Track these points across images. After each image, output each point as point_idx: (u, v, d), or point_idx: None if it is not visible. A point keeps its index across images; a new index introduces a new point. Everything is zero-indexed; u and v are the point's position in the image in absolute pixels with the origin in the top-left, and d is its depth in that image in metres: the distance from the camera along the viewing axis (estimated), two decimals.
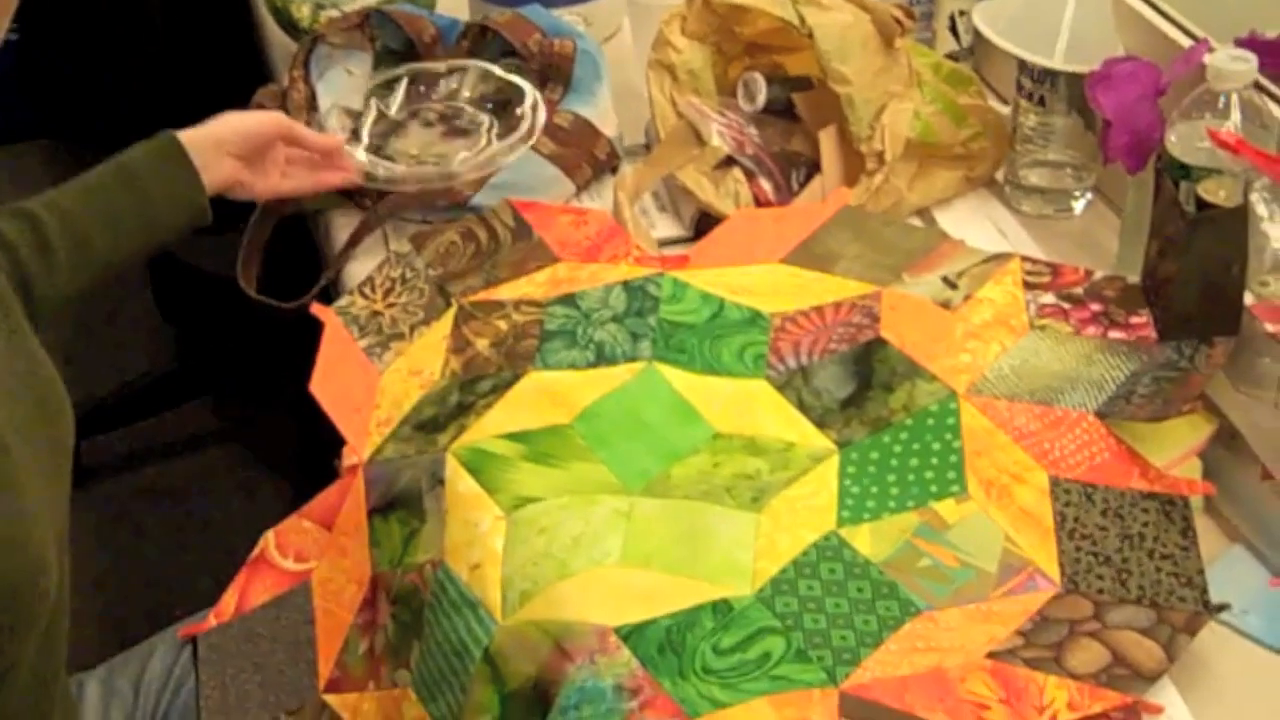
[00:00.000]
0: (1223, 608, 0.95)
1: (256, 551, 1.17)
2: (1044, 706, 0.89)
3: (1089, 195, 1.40)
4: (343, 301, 1.30)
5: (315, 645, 1.10)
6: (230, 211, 1.37)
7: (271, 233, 1.44)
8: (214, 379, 2.45)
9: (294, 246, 1.52)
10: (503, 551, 1.03)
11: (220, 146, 1.29)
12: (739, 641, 0.94)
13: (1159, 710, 0.89)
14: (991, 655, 0.93)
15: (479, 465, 1.09)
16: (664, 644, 0.94)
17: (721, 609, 0.96)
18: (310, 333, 1.29)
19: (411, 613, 1.05)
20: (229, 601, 1.15)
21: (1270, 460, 1.03)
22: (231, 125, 1.31)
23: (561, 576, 0.99)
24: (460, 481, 1.08)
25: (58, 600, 0.93)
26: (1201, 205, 1.10)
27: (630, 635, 0.95)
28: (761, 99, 1.41)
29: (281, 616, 1.13)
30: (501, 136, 1.43)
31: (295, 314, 1.37)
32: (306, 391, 1.23)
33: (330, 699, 1.06)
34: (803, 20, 1.34)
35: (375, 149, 1.44)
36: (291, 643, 1.11)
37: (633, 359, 1.17)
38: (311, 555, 1.15)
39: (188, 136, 1.28)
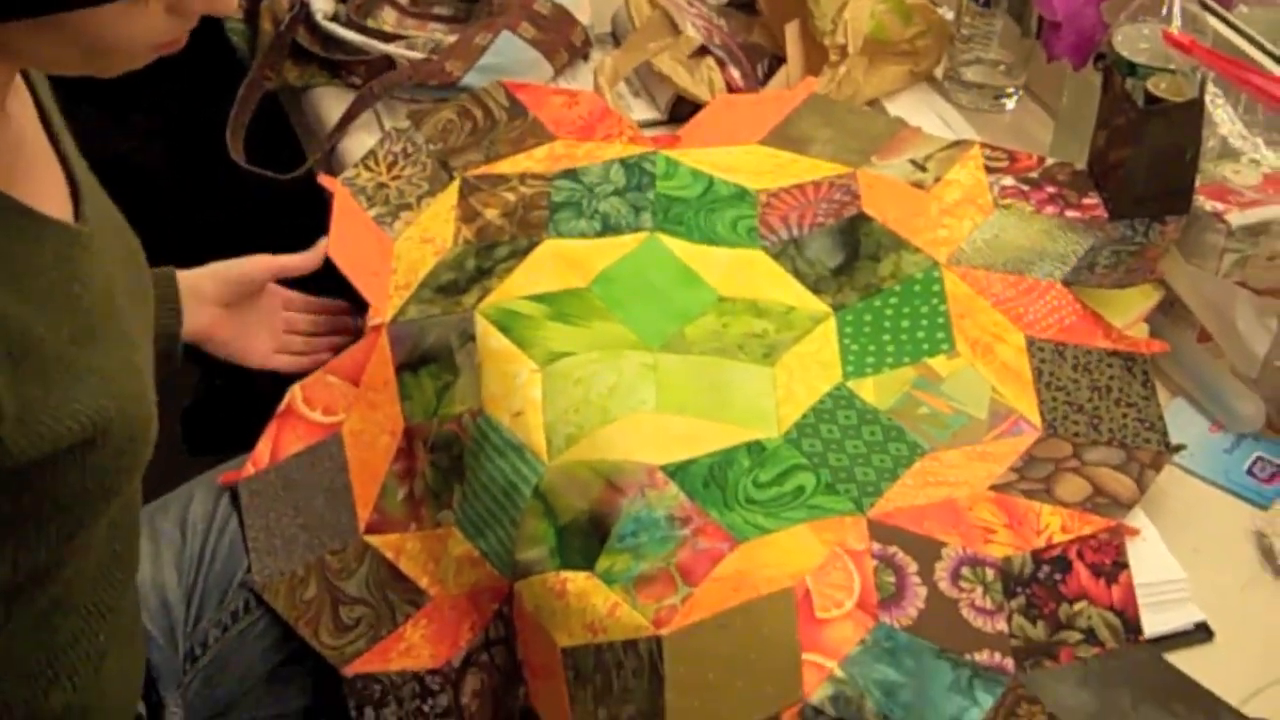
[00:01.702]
0: (1180, 448, 1.11)
1: (284, 404, 1.24)
2: (1041, 530, 1.04)
3: (1019, 93, 1.54)
4: (349, 173, 1.37)
5: (352, 491, 1.19)
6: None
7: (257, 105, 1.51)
8: None
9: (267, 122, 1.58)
10: (542, 400, 1.13)
11: (199, 294, 1.26)
12: (774, 476, 1.07)
13: (1136, 532, 1.04)
14: (993, 488, 1.07)
15: (508, 323, 1.19)
16: (708, 479, 1.06)
17: (755, 449, 1.09)
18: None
19: (451, 458, 1.15)
20: (264, 450, 1.23)
21: (1209, 323, 1.19)
22: (211, 270, 1.27)
23: (604, 422, 1.10)
24: (491, 338, 1.18)
25: None
26: (1150, 98, 1.24)
27: (676, 472, 1.06)
28: None
29: (316, 464, 1.22)
30: (471, 21, 1.51)
31: (289, 184, 1.45)
32: None
33: (372, 540, 1.16)
34: None
35: (352, 24, 1.51)
36: (328, 489, 1.20)
37: (636, 229, 1.28)
38: (339, 408, 1.23)
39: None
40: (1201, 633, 1.01)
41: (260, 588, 1.17)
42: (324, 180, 1.36)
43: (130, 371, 0.93)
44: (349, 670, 1.10)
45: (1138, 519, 1.06)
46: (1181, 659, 0.98)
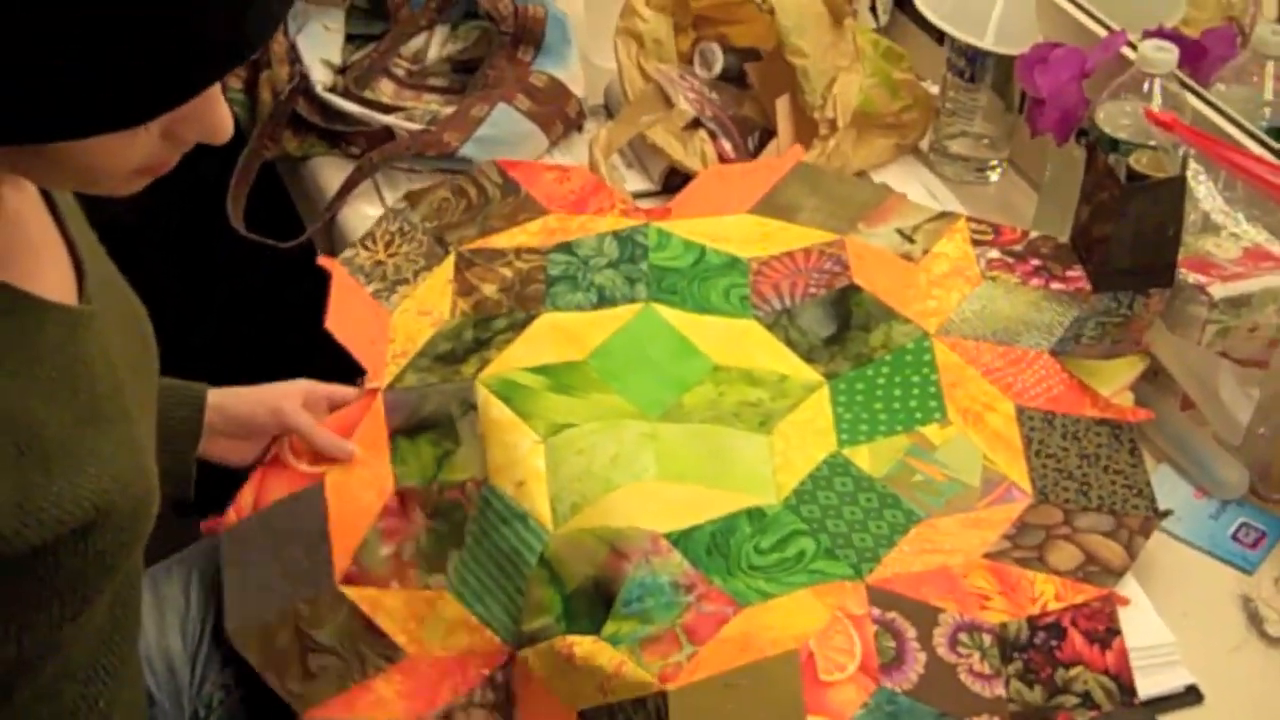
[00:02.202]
0: (1167, 513, 1.14)
1: (270, 454, 1.24)
2: (1035, 597, 1.07)
3: (1003, 165, 1.59)
4: (347, 253, 1.40)
5: (329, 541, 1.18)
6: None
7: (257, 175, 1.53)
8: None
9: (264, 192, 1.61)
10: (545, 471, 1.16)
11: (210, 428, 1.22)
12: (775, 542, 1.09)
13: (1127, 602, 1.07)
14: (987, 555, 1.09)
15: (509, 394, 1.21)
16: (710, 547, 1.09)
17: (756, 515, 1.11)
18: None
19: (452, 525, 1.16)
20: (247, 497, 1.22)
21: (1193, 392, 1.22)
22: (219, 405, 1.23)
23: (607, 490, 1.13)
24: (493, 408, 1.20)
25: None
26: (1132, 174, 1.28)
27: (679, 540, 1.09)
28: (718, 67, 1.55)
29: (297, 512, 1.20)
30: (468, 93, 1.55)
31: (290, 252, 1.47)
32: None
33: (347, 590, 1.15)
34: None
35: (350, 96, 1.54)
36: (307, 536, 1.18)
37: (631, 300, 1.30)
38: (324, 461, 1.23)
39: None
40: (1192, 695, 1.04)
41: (231, 635, 1.15)
42: (323, 262, 1.38)
43: (131, 449, 0.93)
44: (309, 714, 1.08)
45: (1128, 585, 1.09)
46: None
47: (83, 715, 0.99)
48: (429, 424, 1.22)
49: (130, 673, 1.07)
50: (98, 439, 0.88)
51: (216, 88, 0.81)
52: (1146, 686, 1.03)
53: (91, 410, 0.89)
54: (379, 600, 1.14)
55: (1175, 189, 1.23)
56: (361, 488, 1.21)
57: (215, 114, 0.81)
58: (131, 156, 0.80)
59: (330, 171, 1.53)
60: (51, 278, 0.91)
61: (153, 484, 0.96)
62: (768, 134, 1.53)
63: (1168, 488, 1.20)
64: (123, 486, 0.89)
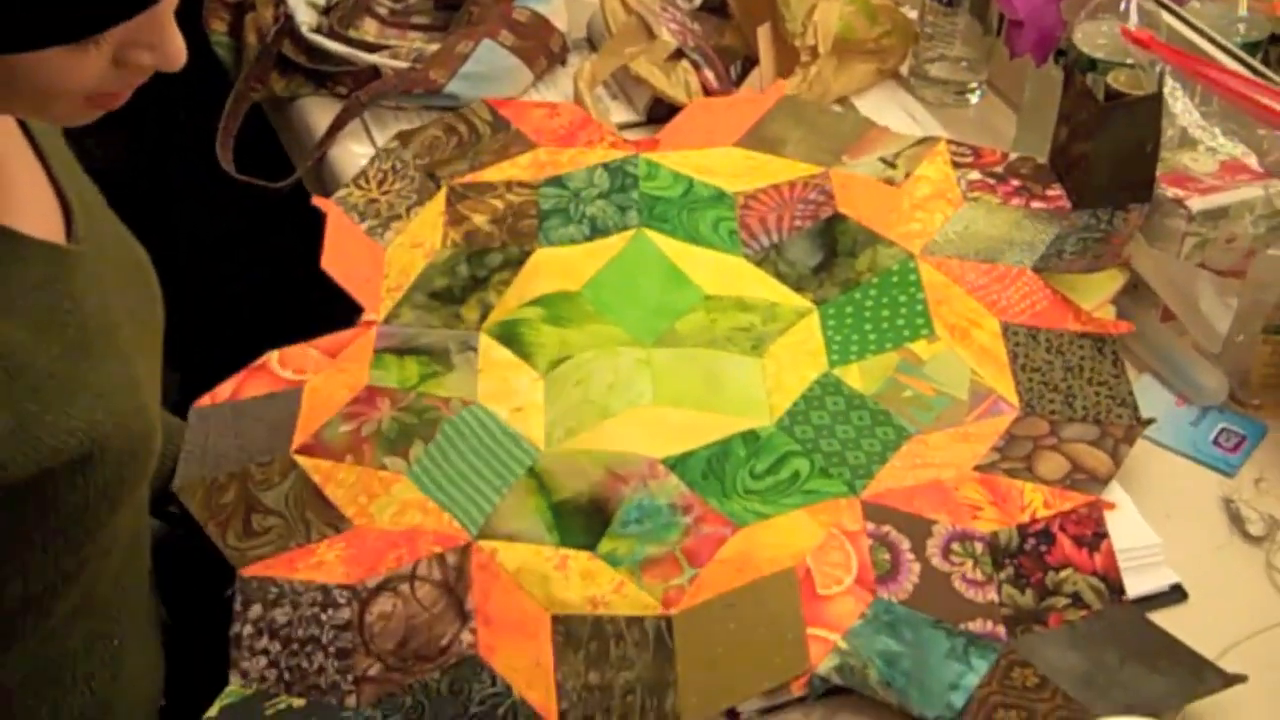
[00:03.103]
0: (1150, 421, 1.17)
1: (258, 361, 1.25)
2: (1025, 506, 1.10)
3: (982, 88, 1.61)
4: (341, 193, 1.41)
5: (295, 423, 1.19)
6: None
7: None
8: None
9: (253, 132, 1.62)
10: (544, 401, 1.19)
11: None
12: (770, 465, 1.13)
13: (1113, 506, 1.10)
14: (977, 468, 1.13)
15: (510, 335, 1.24)
16: (706, 471, 1.12)
17: (750, 438, 1.14)
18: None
19: (422, 421, 1.17)
20: (225, 390, 1.23)
21: (1172, 303, 1.25)
22: None
23: (604, 417, 1.16)
24: (494, 351, 1.23)
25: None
26: (1110, 92, 1.30)
27: (675, 465, 1.12)
28: None
29: (270, 405, 1.21)
30: (451, 30, 1.56)
31: (281, 192, 1.49)
32: None
33: (300, 459, 1.15)
34: None
35: (335, 36, 1.55)
36: (274, 422, 1.19)
37: (623, 229, 1.33)
38: (310, 371, 1.24)
39: None
40: (1177, 593, 1.07)
41: (177, 489, 1.14)
42: (318, 201, 1.39)
43: (128, 387, 0.95)
44: (247, 571, 1.08)
45: (1114, 490, 1.12)
46: (1160, 618, 1.04)
47: (97, 654, 1.02)
48: (421, 350, 1.25)
49: (144, 608, 1.10)
50: (89, 372, 0.90)
51: (168, 11, 0.81)
52: (1134, 585, 1.06)
53: (81, 345, 0.91)
54: (331, 472, 1.15)
55: (1152, 106, 1.25)
56: (337, 387, 1.22)
57: (168, 38, 0.81)
58: (83, 78, 0.80)
59: (318, 112, 1.55)
60: (33, 217, 0.92)
61: (153, 424, 0.97)
62: (750, 62, 1.55)
63: (1150, 396, 1.23)
64: (118, 420, 0.91)
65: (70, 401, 0.88)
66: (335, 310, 1.32)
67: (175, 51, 0.82)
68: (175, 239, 1.49)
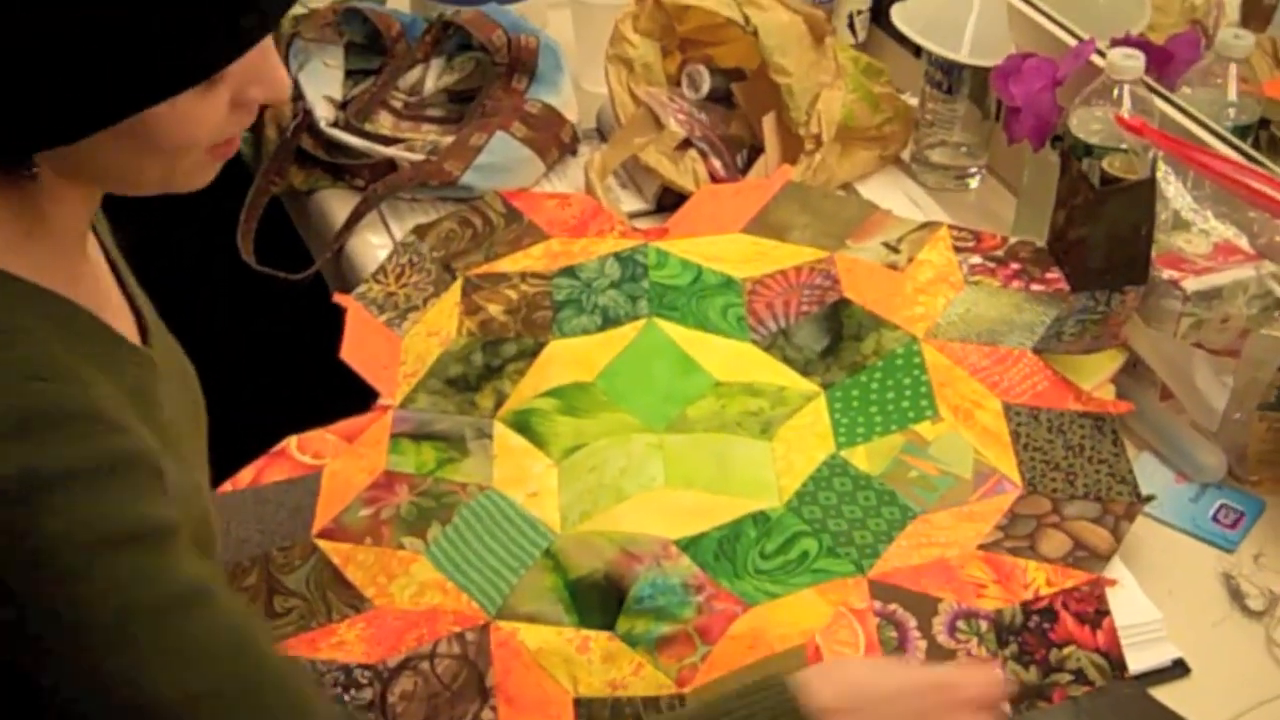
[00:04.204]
0: (1150, 498, 1.20)
1: (278, 447, 1.28)
2: (1028, 584, 1.13)
3: (982, 172, 1.65)
4: (361, 288, 1.46)
5: (315, 510, 1.22)
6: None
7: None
8: None
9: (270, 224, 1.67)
10: (559, 486, 1.22)
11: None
12: (780, 545, 1.16)
13: (1114, 582, 1.13)
14: (981, 546, 1.16)
15: (524, 424, 1.27)
16: (718, 552, 1.15)
17: (760, 519, 1.17)
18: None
19: (440, 505, 1.20)
20: (245, 475, 1.26)
21: (1170, 382, 1.29)
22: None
23: (618, 500, 1.19)
24: (510, 438, 1.27)
25: None
26: (1105, 177, 1.34)
27: (688, 546, 1.15)
28: (705, 88, 1.62)
29: (290, 490, 1.25)
30: (465, 122, 1.61)
31: (301, 283, 1.53)
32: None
33: (322, 543, 1.18)
34: (747, 19, 1.54)
35: (352, 130, 1.60)
36: (294, 508, 1.22)
37: (634, 318, 1.37)
38: (327, 456, 1.28)
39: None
40: (1179, 668, 1.10)
41: None
42: (339, 299, 1.43)
43: (196, 492, 0.97)
44: None
45: (1115, 567, 1.15)
46: (1162, 693, 1.07)
47: None
48: (437, 436, 1.28)
49: None
50: (174, 476, 0.92)
51: (271, 42, 0.85)
52: (1137, 661, 1.09)
53: (165, 451, 0.93)
54: (351, 554, 1.17)
55: (1146, 190, 1.29)
56: (356, 471, 1.25)
57: (276, 71, 0.86)
58: (211, 124, 0.84)
59: (336, 204, 1.60)
60: (121, 322, 0.95)
61: (215, 531, 0.98)
62: (756, 151, 1.60)
63: (1150, 474, 1.26)
64: (192, 528, 0.91)
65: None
66: (353, 398, 1.36)
67: (281, 81, 0.86)
68: (195, 329, 1.52)
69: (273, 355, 1.81)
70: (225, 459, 1.30)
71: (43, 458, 0.75)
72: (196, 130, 0.84)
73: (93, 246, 0.95)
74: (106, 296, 0.94)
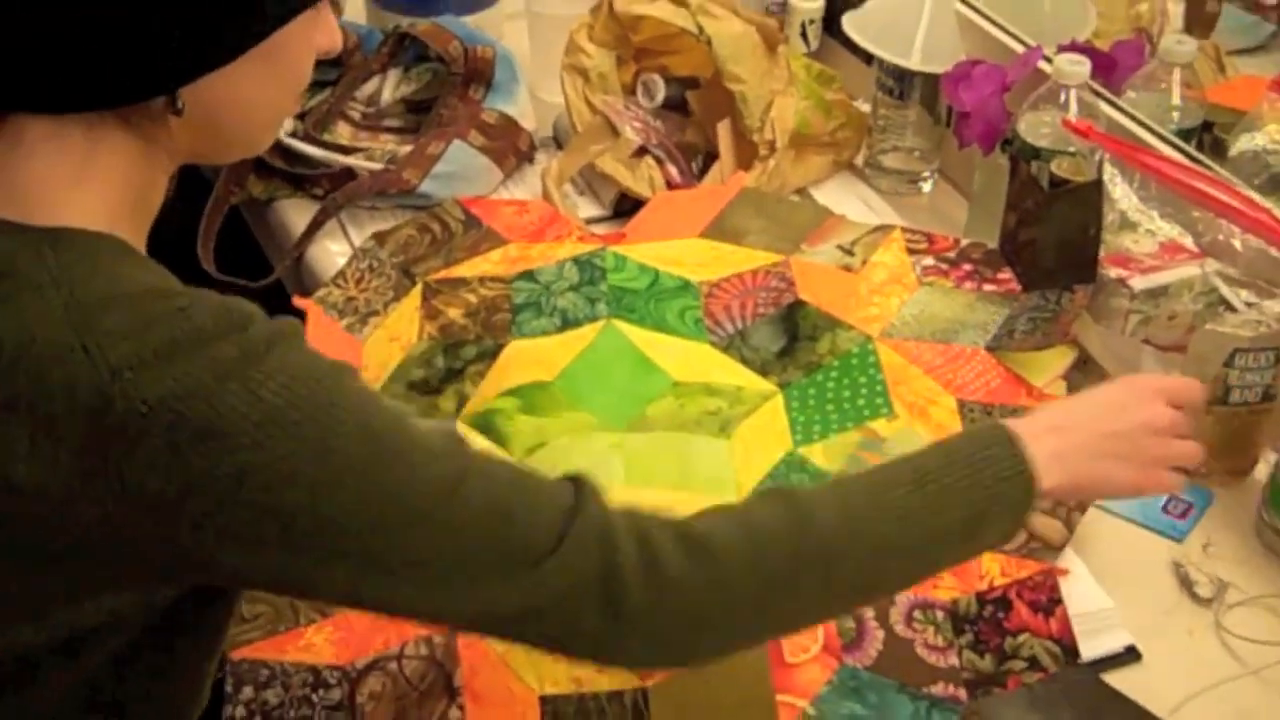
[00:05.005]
0: None
1: None
2: (983, 575, 1.15)
3: (934, 176, 1.68)
4: (321, 293, 1.47)
5: None
6: None
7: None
8: None
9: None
10: None
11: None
12: None
13: (1066, 572, 1.15)
14: None
15: (487, 424, 1.29)
16: None
17: None
18: None
19: None
20: None
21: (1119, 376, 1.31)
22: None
23: None
24: (470, 437, 1.28)
25: None
26: (1054, 180, 1.37)
27: None
28: (660, 96, 1.64)
29: None
30: (423, 132, 1.63)
31: (260, 292, 1.54)
32: None
33: None
34: (701, 29, 1.57)
35: (311, 140, 1.61)
36: None
37: (593, 320, 1.38)
38: None
39: None
40: (1131, 654, 1.12)
41: None
42: (299, 302, 1.45)
43: None
44: (237, 654, 1.10)
45: (1068, 557, 1.17)
46: (1114, 679, 1.09)
47: None
48: None
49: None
50: None
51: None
52: (1089, 648, 1.11)
53: None
54: None
55: (1094, 192, 1.32)
56: None
57: (333, 20, 0.93)
58: (316, 48, 0.91)
59: (295, 213, 1.61)
60: None
61: None
62: (711, 157, 1.62)
63: None
64: None
65: None
66: None
67: (337, 31, 0.93)
68: None
69: None
70: None
71: (247, 338, 0.80)
72: (309, 56, 0.91)
73: None
74: None
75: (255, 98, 0.89)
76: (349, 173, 1.60)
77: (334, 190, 1.58)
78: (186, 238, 1.60)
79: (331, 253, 1.55)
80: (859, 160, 1.70)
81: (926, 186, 1.68)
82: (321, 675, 1.10)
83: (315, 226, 1.56)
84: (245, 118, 0.90)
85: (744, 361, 1.35)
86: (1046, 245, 1.36)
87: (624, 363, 1.35)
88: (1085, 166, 1.36)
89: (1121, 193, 1.37)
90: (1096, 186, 1.32)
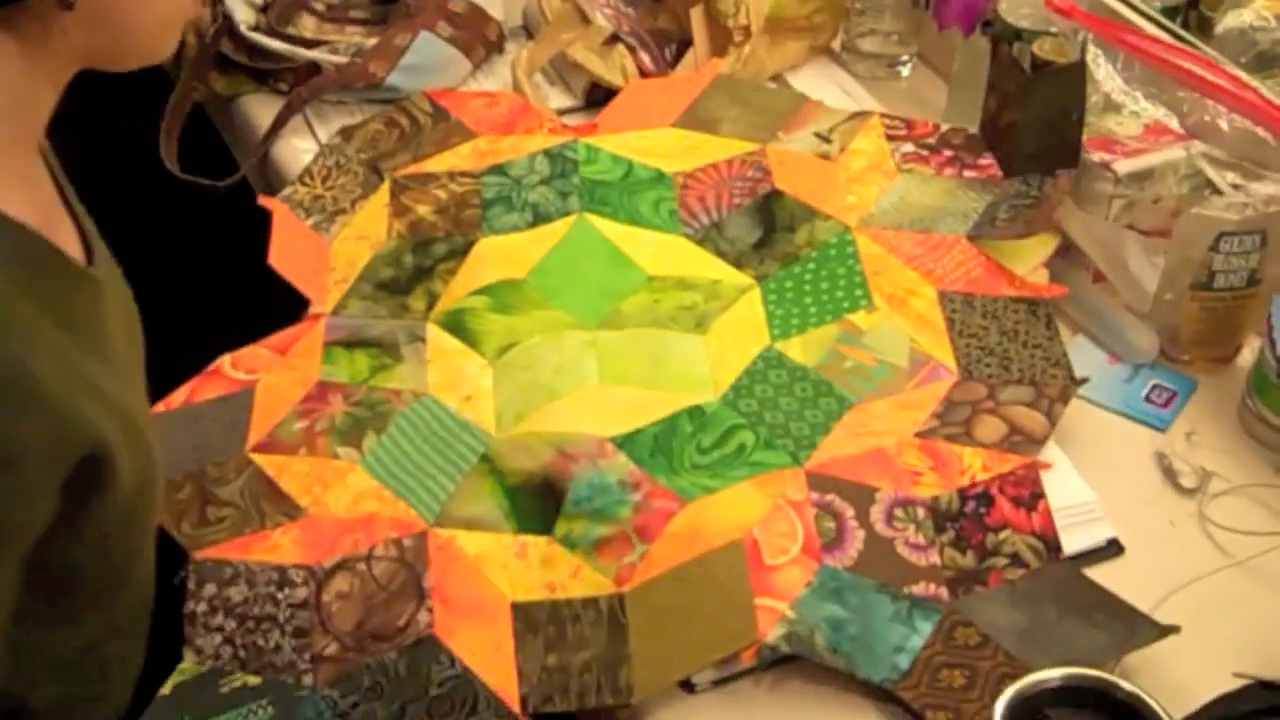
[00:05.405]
0: (1084, 380, 1.20)
1: (211, 366, 1.26)
2: (964, 470, 1.13)
3: (913, 60, 1.64)
4: (287, 191, 1.43)
5: (250, 423, 1.20)
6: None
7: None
8: None
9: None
10: (493, 387, 1.21)
11: None
12: (716, 439, 1.15)
13: (1048, 466, 1.13)
14: (918, 434, 1.16)
15: (457, 324, 1.26)
16: (654, 448, 1.14)
17: (696, 414, 1.17)
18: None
19: (375, 415, 1.19)
20: (178, 396, 1.24)
21: (1102, 264, 1.29)
22: None
23: (551, 399, 1.18)
24: (443, 340, 1.25)
25: None
26: (1036, 62, 1.33)
27: (623, 444, 1.14)
28: None
29: (224, 406, 1.23)
30: (389, 23, 1.58)
31: (225, 190, 1.51)
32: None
33: (256, 457, 1.17)
34: None
35: (274, 33, 1.57)
36: (229, 423, 1.21)
37: (565, 214, 1.35)
38: (261, 370, 1.26)
39: None
40: (1114, 548, 1.11)
41: None
42: (264, 201, 1.41)
43: (142, 415, 0.96)
44: (200, 554, 1.09)
45: (1050, 449, 1.16)
46: (1097, 573, 1.08)
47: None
48: (371, 343, 1.27)
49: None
50: (118, 397, 0.91)
51: None
52: (1072, 542, 1.09)
53: (115, 374, 0.92)
54: (286, 465, 1.16)
55: (1077, 74, 1.28)
56: (290, 384, 1.23)
57: None
58: None
59: (260, 109, 1.57)
60: (69, 244, 0.93)
61: (156, 459, 0.97)
62: (685, 44, 1.58)
63: (1084, 357, 1.26)
64: (134, 449, 0.91)
65: (102, 414, 0.87)
66: (286, 306, 1.34)
67: None
68: (122, 242, 1.50)
69: (202, 269, 1.79)
70: (158, 379, 1.29)
71: None
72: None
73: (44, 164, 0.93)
74: (52, 209, 0.92)
75: (112, 44, 0.85)
76: (314, 67, 1.55)
77: (299, 85, 1.54)
78: (149, 137, 1.56)
79: (298, 149, 1.52)
80: (836, 45, 1.65)
81: (905, 71, 1.64)
82: (287, 574, 1.08)
83: (280, 123, 1.52)
84: (141, 13, 0.86)
85: (719, 254, 1.32)
86: (1028, 129, 1.32)
87: (597, 258, 1.32)
88: (1068, 48, 1.32)
89: (1105, 74, 1.33)
90: (1079, 68, 1.28)
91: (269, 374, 1.25)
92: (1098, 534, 1.11)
